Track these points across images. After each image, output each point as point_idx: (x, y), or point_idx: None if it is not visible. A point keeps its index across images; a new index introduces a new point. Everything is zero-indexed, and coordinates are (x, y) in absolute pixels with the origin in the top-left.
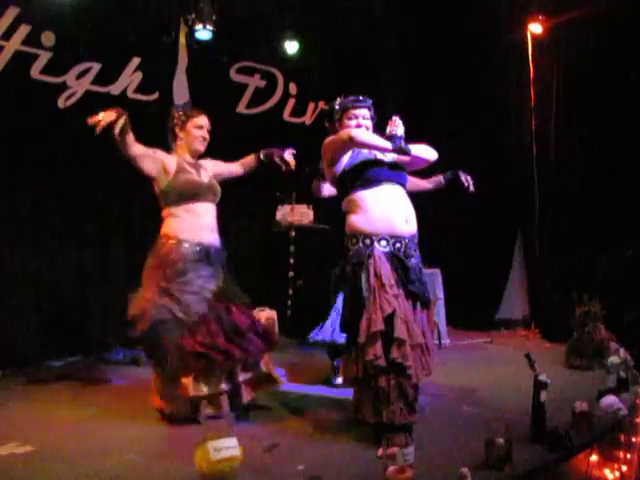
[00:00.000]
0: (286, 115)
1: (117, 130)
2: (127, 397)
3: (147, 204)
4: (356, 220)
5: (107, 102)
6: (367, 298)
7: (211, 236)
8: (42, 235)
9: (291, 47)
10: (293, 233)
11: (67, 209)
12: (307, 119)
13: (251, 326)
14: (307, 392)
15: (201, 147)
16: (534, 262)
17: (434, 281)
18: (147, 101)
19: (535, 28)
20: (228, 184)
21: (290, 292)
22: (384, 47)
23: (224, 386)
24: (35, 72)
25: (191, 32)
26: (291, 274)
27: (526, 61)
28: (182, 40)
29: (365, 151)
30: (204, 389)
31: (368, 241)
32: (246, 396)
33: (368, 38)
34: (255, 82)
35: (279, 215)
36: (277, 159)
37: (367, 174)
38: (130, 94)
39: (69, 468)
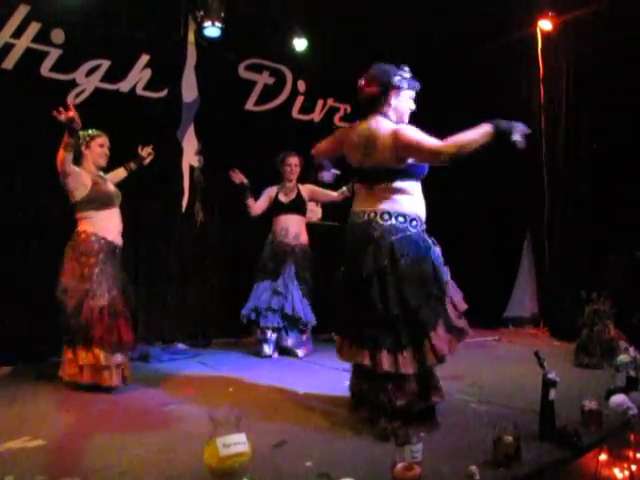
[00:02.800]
0: (295, 112)
1: (76, 126)
2: (135, 393)
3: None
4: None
5: (116, 99)
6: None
7: (118, 237)
8: (53, 232)
9: (300, 44)
10: None
11: None
12: (316, 116)
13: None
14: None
15: (104, 162)
16: (543, 260)
17: None
18: (156, 98)
19: (545, 25)
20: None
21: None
22: (392, 45)
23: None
24: (45, 69)
25: (200, 29)
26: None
27: (535, 58)
28: (191, 37)
29: None
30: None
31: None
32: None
33: (377, 35)
34: (264, 79)
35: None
36: None
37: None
38: (139, 91)
39: (79, 462)
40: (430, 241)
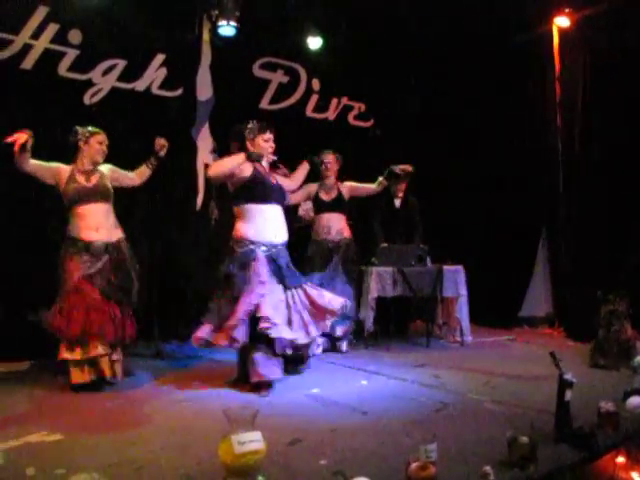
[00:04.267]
0: (309, 111)
1: (28, 147)
2: (151, 389)
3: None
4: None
5: (132, 98)
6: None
7: (94, 233)
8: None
9: (314, 43)
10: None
11: None
12: (330, 115)
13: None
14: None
15: (100, 159)
16: (558, 259)
17: (457, 278)
18: (171, 97)
19: (561, 22)
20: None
21: None
22: (406, 44)
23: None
24: (63, 69)
25: (215, 28)
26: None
27: (551, 56)
28: (206, 36)
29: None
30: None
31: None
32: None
33: (391, 34)
34: (278, 78)
35: (301, 210)
36: None
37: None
38: (155, 90)
39: (96, 457)
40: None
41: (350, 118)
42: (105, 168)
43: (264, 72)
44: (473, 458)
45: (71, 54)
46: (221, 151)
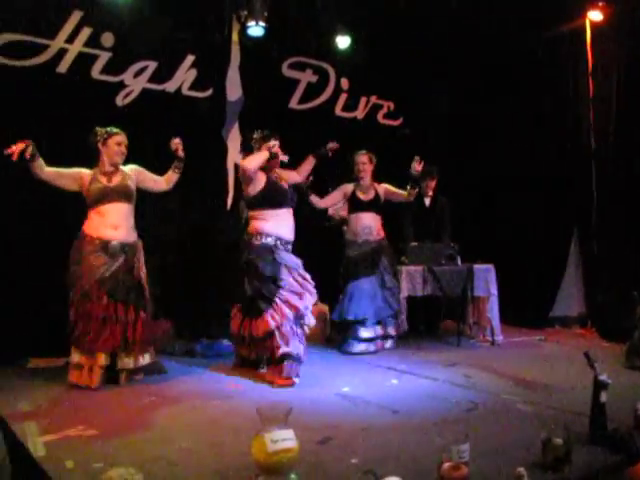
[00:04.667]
0: (338, 110)
1: (28, 155)
2: (183, 387)
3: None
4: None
5: (163, 99)
6: None
7: (112, 232)
8: None
9: (343, 42)
10: (345, 227)
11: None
12: (359, 114)
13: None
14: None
15: (119, 160)
16: (591, 259)
17: (488, 277)
18: (201, 98)
19: (594, 16)
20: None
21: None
22: (435, 41)
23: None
24: (96, 72)
25: (244, 29)
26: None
27: (584, 51)
28: (235, 37)
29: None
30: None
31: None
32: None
33: (419, 31)
34: (307, 77)
35: (331, 210)
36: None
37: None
38: (185, 91)
39: (130, 453)
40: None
41: (379, 117)
42: (129, 169)
43: (293, 72)
44: (506, 459)
45: (104, 57)
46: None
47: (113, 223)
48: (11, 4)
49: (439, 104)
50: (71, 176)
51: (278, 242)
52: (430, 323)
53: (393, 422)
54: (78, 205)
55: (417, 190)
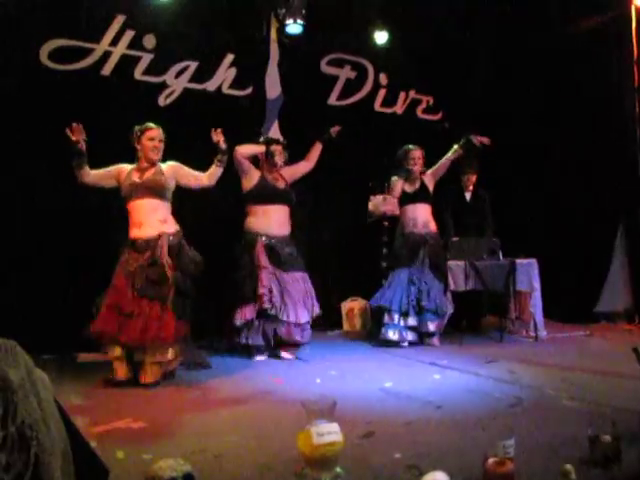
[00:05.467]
0: (377, 106)
1: (80, 145)
2: (227, 381)
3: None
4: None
5: (204, 98)
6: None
7: (137, 230)
8: None
9: (381, 37)
10: (386, 223)
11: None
12: (398, 109)
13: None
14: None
15: (154, 155)
16: (637, 252)
17: (530, 271)
18: (241, 96)
19: None
20: (322, 174)
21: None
22: (475, 33)
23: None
24: (138, 73)
25: (282, 27)
26: (384, 264)
27: (629, 39)
28: (273, 35)
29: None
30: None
31: None
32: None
33: (457, 25)
34: (346, 73)
35: (371, 205)
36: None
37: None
38: (225, 90)
39: (177, 444)
40: None
41: (418, 111)
42: (167, 165)
43: (332, 68)
44: (552, 455)
45: (146, 58)
46: (290, 148)
47: (138, 221)
48: (58, 11)
49: (478, 97)
50: (110, 174)
51: (263, 238)
52: (472, 318)
53: (436, 417)
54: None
55: (462, 151)
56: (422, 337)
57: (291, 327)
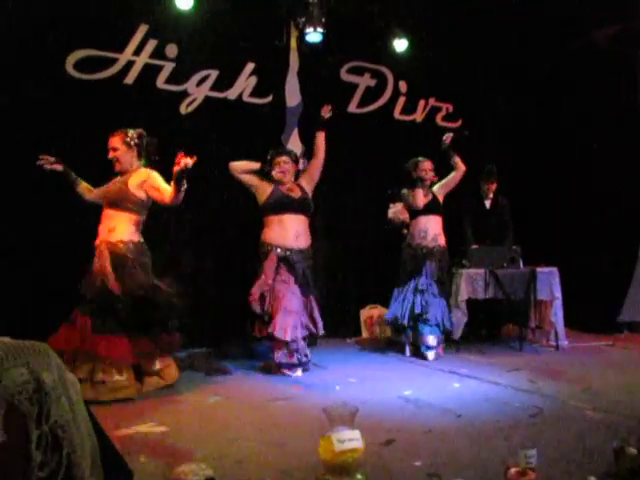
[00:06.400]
0: (397, 113)
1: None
2: (247, 387)
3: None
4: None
5: (224, 107)
6: None
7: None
8: (164, 233)
9: (400, 45)
10: (405, 231)
11: (192, 209)
12: (418, 116)
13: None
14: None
15: (116, 164)
16: None
17: (551, 280)
18: (262, 104)
19: None
20: (342, 181)
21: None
22: (493, 40)
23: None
24: (160, 82)
25: (302, 35)
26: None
27: None
28: (293, 44)
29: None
30: None
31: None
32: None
33: (477, 30)
34: (365, 81)
35: (391, 213)
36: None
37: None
38: (245, 98)
39: (198, 449)
40: None
41: (438, 119)
42: (139, 174)
43: (351, 76)
44: (575, 467)
45: (168, 67)
46: (310, 155)
47: (108, 227)
48: (84, 22)
49: (499, 104)
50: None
51: (278, 250)
52: (492, 327)
53: (456, 426)
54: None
55: (457, 158)
56: (418, 350)
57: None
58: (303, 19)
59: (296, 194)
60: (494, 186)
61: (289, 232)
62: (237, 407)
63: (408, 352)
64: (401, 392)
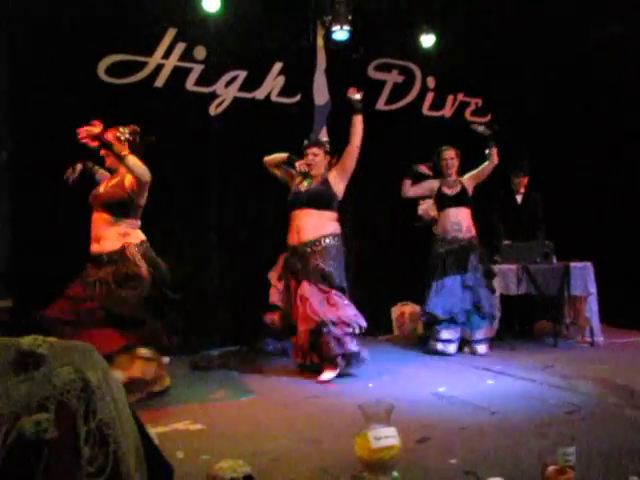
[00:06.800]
0: (425, 109)
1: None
2: (280, 385)
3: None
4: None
5: (253, 107)
6: None
7: (96, 245)
8: (198, 233)
9: (427, 40)
10: (435, 227)
11: (224, 208)
12: (446, 112)
13: None
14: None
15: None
16: None
17: (586, 275)
18: (290, 103)
19: None
20: (371, 178)
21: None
22: (519, 31)
23: None
24: (190, 84)
25: (328, 34)
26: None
27: None
28: (320, 42)
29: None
30: None
31: None
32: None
33: (504, 25)
34: (393, 78)
35: (421, 209)
36: None
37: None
38: (274, 98)
39: (234, 447)
40: None
41: (467, 114)
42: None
43: (379, 73)
44: (615, 466)
45: (197, 69)
46: (339, 154)
47: (94, 235)
48: (114, 28)
49: (529, 98)
50: None
51: (289, 250)
52: (525, 323)
53: (491, 423)
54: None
55: (495, 149)
56: (468, 344)
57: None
58: (329, 17)
59: (301, 187)
60: (525, 180)
61: (292, 230)
62: (270, 405)
63: (451, 349)
64: (434, 389)
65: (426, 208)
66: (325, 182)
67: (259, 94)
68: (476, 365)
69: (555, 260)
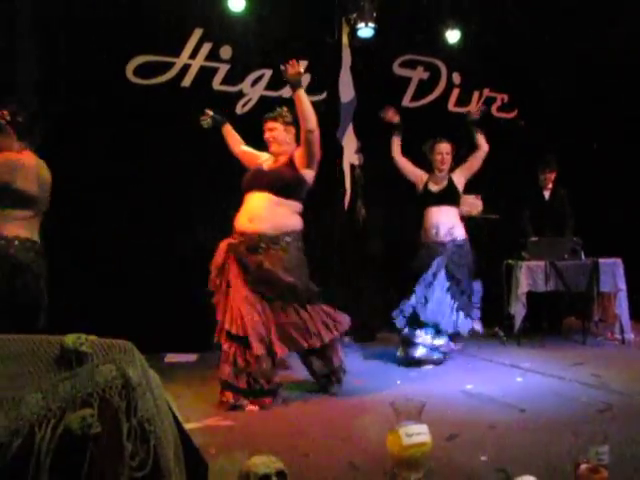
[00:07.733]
0: (451, 105)
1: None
2: (308, 384)
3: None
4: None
5: (279, 105)
6: None
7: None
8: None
9: (453, 36)
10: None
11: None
12: (472, 108)
13: None
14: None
15: None
16: None
17: (615, 271)
18: (316, 101)
19: None
20: (395, 178)
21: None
22: (546, 27)
23: None
24: (216, 83)
25: (353, 31)
26: None
27: None
28: (345, 40)
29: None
30: None
31: None
32: None
33: (529, 20)
34: (418, 74)
35: (467, 206)
36: None
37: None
38: None
39: (265, 443)
40: None
41: (493, 110)
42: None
43: (404, 70)
44: None
45: (223, 69)
46: (365, 151)
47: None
48: (141, 29)
49: (555, 93)
50: None
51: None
52: (553, 320)
53: (521, 420)
54: None
55: (480, 134)
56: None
57: None
58: (354, 15)
59: (272, 167)
60: (553, 176)
61: (243, 213)
62: (301, 401)
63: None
64: (463, 386)
65: (470, 203)
66: (291, 164)
67: (285, 92)
68: (504, 362)
69: (583, 256)
